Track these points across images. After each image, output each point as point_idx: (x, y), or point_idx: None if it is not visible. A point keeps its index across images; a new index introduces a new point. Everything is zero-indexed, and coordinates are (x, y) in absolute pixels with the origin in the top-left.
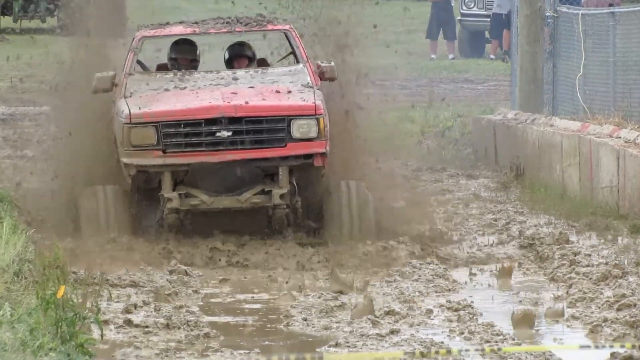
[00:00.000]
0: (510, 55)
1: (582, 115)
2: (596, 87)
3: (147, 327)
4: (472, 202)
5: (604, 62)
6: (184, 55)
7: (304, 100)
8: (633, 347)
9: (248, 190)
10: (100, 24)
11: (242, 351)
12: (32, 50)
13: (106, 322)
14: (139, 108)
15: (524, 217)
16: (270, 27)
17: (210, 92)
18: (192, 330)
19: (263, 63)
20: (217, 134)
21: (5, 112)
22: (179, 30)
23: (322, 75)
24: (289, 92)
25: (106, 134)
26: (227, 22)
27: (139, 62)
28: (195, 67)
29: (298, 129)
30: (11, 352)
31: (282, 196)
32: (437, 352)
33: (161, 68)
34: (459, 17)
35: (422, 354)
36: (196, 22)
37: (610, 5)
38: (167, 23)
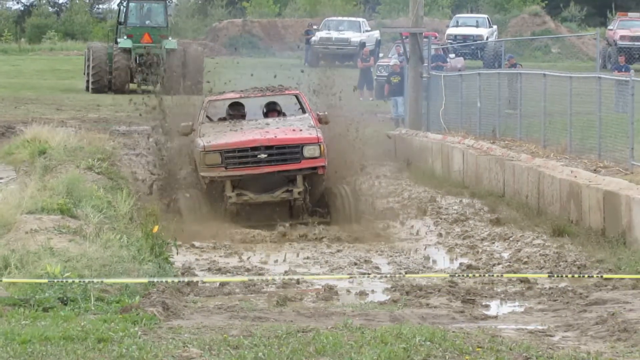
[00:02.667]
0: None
1: (443, 132)
2: (451, 115)
3: (202, 248)
4: (382, 179)
5: (455, 102)
6: (236, 112)
7: (310, 134)
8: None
9: (278, 190)
10: (185, 86)
11: (258, 263)
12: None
13: (180, 246)
14: (209, 142)
15: (411, 187)
16: (287, 92)
17: (252, 131)
18: (228, 250)
19: (284, 115)
20: (258, 156)
21: (125, 129)
22: (231, 95)
23: (320, 120)
24: (300, 130)
25: (187, 158)
26: (260, 90)
27: (207, 115)
28: (243, 118)
29: (307, 151)
30: (127, 262)
31: (299, 193)
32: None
33: (220, 119)
34: (375, 77)
35: (356, 264)
36: (242, 90)
37: (459, 70)
38: (224, 92)
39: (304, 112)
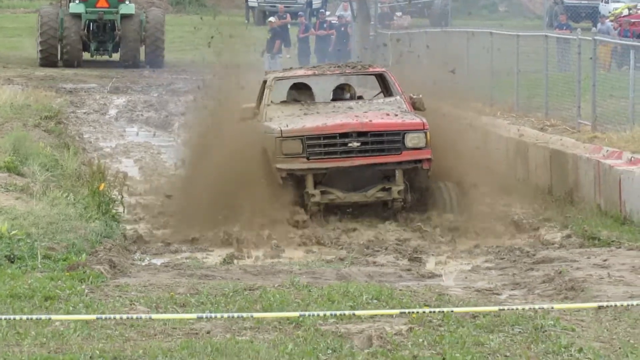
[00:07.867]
0: None
1: None
2: (397, 74)
3: (147, 206)
4: None
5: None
6: (303, 95)
7: (413, 119)
8: None
9: (372, 188)
10: (146, 58)
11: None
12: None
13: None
14: (287, 126)
15: None
16: (371, 69)
17: (339, 114)
18: None
19: (360, 99)
20: (349, 145)
21: (72, 87)
22: (302, 72)
23: (414, 104)
24: (396, 115)
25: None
26: (338, 66)
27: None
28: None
29: (410, 140)
30: (74, 219)
31: (399, 192)
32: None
33: (284, 102)
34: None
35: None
36: (314, 67)
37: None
38: (291, 68)
39: (390, 94)
